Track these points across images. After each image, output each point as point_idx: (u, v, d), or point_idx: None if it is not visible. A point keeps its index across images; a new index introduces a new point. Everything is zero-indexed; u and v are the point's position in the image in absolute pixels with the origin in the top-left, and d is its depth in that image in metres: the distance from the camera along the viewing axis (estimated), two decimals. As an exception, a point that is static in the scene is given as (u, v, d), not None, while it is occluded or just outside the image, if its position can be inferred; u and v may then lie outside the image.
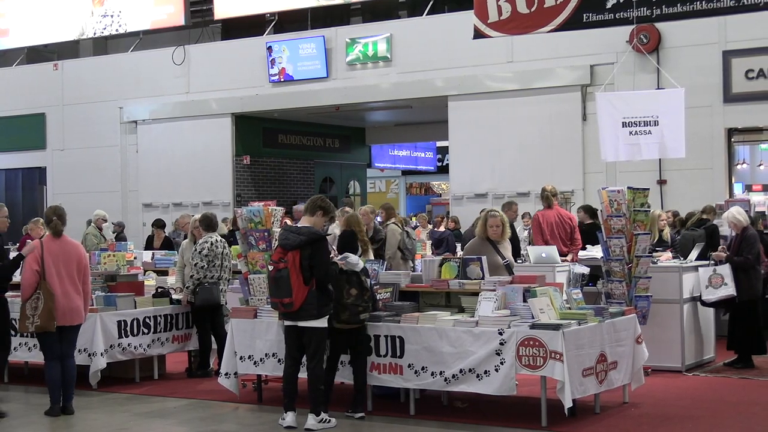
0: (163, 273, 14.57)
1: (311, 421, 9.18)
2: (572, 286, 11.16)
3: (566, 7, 15.59)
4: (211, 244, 12.07)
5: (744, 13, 15.76)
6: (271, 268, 9.30)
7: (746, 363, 12.11)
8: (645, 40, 18.41)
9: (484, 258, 10.10)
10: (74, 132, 25.75)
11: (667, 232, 14.77)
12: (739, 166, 26.44)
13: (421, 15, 22.06)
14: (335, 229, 13.55)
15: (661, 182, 18.62)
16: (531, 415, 9.24)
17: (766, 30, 17.45)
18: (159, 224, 19.00)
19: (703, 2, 14.96)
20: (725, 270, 12.02)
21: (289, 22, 24.27)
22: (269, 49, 22.97)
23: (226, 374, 10.48)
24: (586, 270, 12.07)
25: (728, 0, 14.76)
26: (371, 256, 11.58)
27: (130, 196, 24.99)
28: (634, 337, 9.93)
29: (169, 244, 18.00)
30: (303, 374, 9.44)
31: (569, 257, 13.10)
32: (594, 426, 9.17)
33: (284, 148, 25.75)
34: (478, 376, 9.07)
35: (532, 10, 15.78)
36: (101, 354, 11.34)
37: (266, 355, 10.21)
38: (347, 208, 15.10)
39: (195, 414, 10.33)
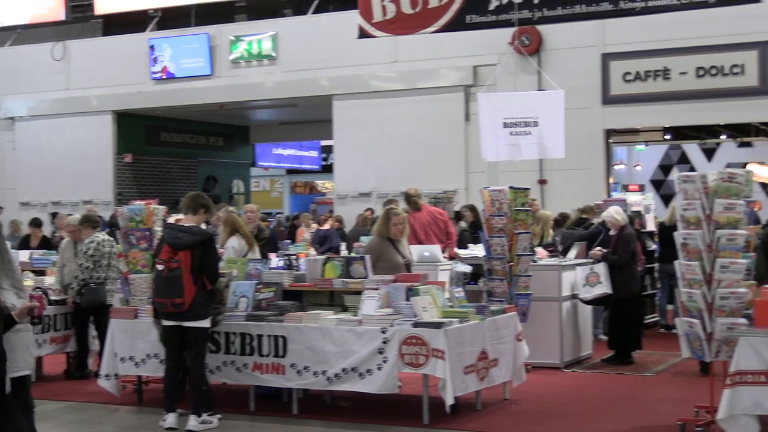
0: (40, 273, 14.23)
1: (193, 422, 9.08)
2: (454, 284, 11.26)
3: (450, 8, 15.75)
4: (98, 243, 11.82)
5: (622, 17, 16.18)
6: (160, 267, 9.14)
7: (623, 359, 12.39)
8: (526, 42, 18.72)
9: (368, 257, 10.13)
10: (-52, 128, 25.05)
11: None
12: (616, 167, 27.08)
13: (306, 14, 22.04)
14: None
15: (542, 182, 18.95)
16: (413, 413, 9.29)
17: (643, 34, 17.89)
18: (36, 223, 18.53)
19: (583, 6, 15.27)
20: (601, 268, 12.28)
21: (172, 18, 23.99)
22: (151, 46, 22.68)
23: (106, 376, 10.30)
24: (468, 268, 12.20)
25: (607, 4, 15.09)
26: (257, 255, 11.52)
27: (6, 195, 24.38)
28: (514, 334, 10.07)
29: (47, 244, 17.61)
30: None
31: (446, 252, 13.14)
32: (475, 423, 9.27)
33: (167, 146, 25.47)
34: (360, 375, 9.09)
35: (417, 10, 15.91)
36: (-25, 356, 11.02)
37: (148, 355, 10.07)
38: (230, 207, 15.01)
39: (73, 416, 10.13)
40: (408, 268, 10.58)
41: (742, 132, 25.04)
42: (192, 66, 22.36)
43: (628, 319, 12.49)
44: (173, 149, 25.61)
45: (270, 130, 28.71)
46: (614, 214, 12.53)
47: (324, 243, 17.75)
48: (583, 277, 12.31)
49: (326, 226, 19.68)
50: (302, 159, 33.64)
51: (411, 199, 13.78)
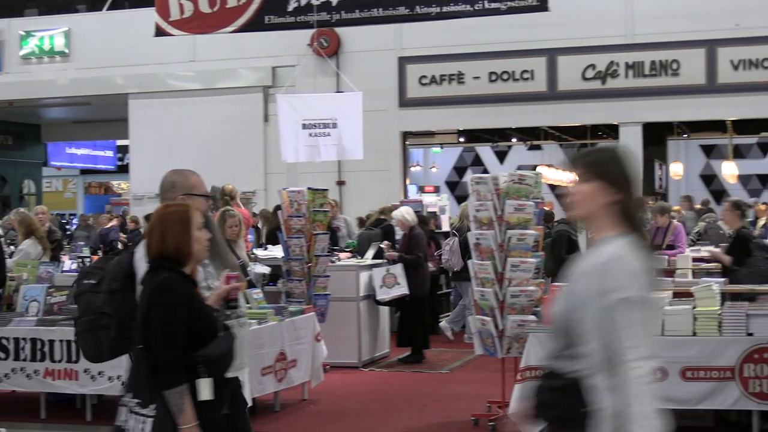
0: None
1: (-20, 431, 8.74)
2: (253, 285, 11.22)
3: (248, 8, 15.69)
4: None
5: (417, 21, 16.48)
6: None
7: (417, 357, 12.62)
8: (325, 44, 18.83)
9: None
10: None
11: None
12: (413, 168, 27.56)
13: (101, 10, 21.52)
14: None
15: (340, 183, 19.09)
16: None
17: (439, 38, 18.26)
18: None
19: (380, 9, 15.48)
20: (398, 269, 12.47)
21: (-43, 11, 23.01)
22: (-65, 39, 21.72)
23: None
24: (266, 269, 12.19)
25: (403, 8, 15.34)
26: (47, 258, 11.19)
27: None
28: (313, 335, 10.13)
29: None
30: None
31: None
32: (273, 424, 9.27)
33: (-48, 145, 24.43)
34: (157, 378, 8.93)
35: (215, 9, 15.78)
36: None
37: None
38: (21, 209, 14.55)
39: None
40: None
41: (532, 135, 25.89)
42: (-21, 61, 21.52)
43: (422, 317, 12.75)
44: (-42, 148, 24.60)
45: (63, 128, 27.84)
46: (405, 214, 12.78)
47: (106, 242, 17.49)
48: (379, 279, 12.46)
49: (108, 225, 19.36)
50: (97, 159, 32.76)
51: (224, 198, 13.49)
